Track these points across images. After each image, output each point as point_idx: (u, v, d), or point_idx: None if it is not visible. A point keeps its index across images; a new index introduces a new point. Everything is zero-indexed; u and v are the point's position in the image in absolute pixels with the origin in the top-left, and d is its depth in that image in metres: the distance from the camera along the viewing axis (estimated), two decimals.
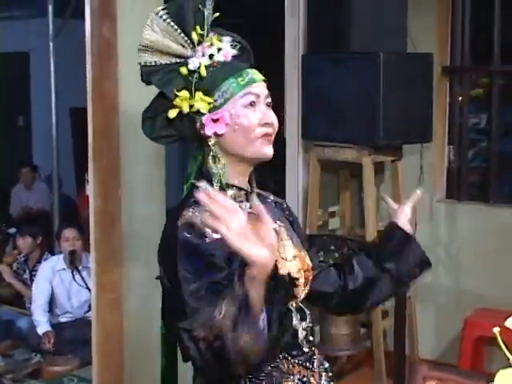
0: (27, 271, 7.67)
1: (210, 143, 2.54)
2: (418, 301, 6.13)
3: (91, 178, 4.71)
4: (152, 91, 4.89)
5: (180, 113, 2.59)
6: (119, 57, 4.62)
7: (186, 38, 2.62)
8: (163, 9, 2.69)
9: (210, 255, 2.35)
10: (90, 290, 6.02)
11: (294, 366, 2.63)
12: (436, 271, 6.34)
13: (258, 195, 2.68)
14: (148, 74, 2.73)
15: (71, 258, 6.93)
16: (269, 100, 2.61)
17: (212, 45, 2.63)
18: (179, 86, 2.59)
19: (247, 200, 2.61)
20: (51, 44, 8.31)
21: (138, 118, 4.86)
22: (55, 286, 6.92)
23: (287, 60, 6.04)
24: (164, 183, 5.02)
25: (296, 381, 2.62)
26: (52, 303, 6.95)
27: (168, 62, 2.66)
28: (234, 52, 2.68)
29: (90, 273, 5.10)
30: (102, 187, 4.71)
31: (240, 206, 2.32)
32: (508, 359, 0.92)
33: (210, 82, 2.56)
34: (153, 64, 2.71)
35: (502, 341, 0.99)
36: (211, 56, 2.61)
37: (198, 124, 2.55)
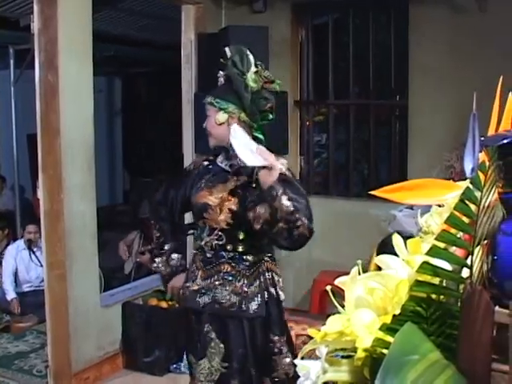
0: None
1: None
2: (281, 267, 6.15)
3: (41, 185, 4.68)
4: (85, 121, 4.84)
5: None
6: (60, 96, 4.61)
7: None
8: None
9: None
10: (42, 266, 5.99)
11: (197, 260, 3.17)
12: None
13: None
14: None
15: (29, 244, 6.89)
16: (207, 113, 3.12)
17: None
18: None
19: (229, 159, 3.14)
20: (12, 88, 8.33)
21: (75, 140, 4.86)
22: (18, 262, 6.85)
23: (184, 96, 6.08)
24: (94, 187, 4.99)
25: (193, 267, 3.18)
26: (16, 277, 6.86)
27: None
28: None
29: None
30: (49, 192, 4.66)
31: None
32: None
33: None
34: None
35: (335, 294, 0.99)
36: None
37: None
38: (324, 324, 0.93)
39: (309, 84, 6.64)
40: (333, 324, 0.90)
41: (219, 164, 3.19)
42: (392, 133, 6.44)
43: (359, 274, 0.97)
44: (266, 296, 3.10)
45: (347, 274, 0.99)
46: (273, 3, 6.36)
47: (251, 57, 3.06)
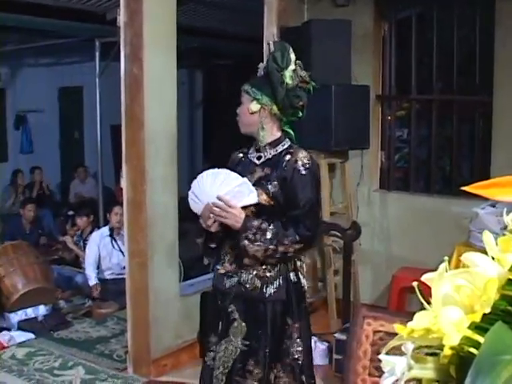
0: (81, 241, 7.75)
1: None
2: (360, 262, 6.15)
3: (125, 175, 4.75)
4: (168, 114, 4.88)
5: None
6: (145, 89, 4.65)
7: None
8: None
9: None
10: (123, 254, 6.13)
11: (226, 245, 3.26)
12: (372, 241, 6.36)
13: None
14: None
15: (111, 232, 7.05)
16: (241, 100, 3.20)
17: None
18: None
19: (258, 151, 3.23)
20: (97, 80, 8.58)
21: (158, 132, 4.90)
22: (101, 249, 6.99)
23: None
24: (176, 180, 5.02)
25: (223, 251, 3.29)
26: (99, 264, 7.01)
27: None
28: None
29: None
30: (132, 182, 4.73)
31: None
32: (423, 304, 0.92)
33: None
34: None
35: (420, 291, 0.98)
36: None
37: None
38: (404, 321, 0.92)
39: (391, 79, 6.56)
40: (420, 320, 0.89)
41: (249, 156, 3.29)
42: (475, 130, 6.31)
43: (446, 270, 0.96)
44: (286, 281, 3.17)
45: (427, 270, 0.97)
46: None
47: (292, 55, 3.15)
